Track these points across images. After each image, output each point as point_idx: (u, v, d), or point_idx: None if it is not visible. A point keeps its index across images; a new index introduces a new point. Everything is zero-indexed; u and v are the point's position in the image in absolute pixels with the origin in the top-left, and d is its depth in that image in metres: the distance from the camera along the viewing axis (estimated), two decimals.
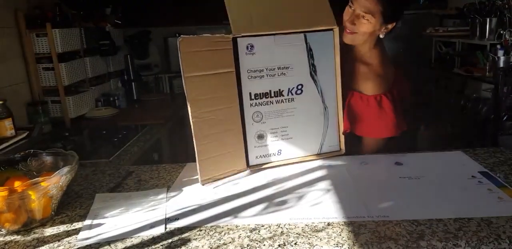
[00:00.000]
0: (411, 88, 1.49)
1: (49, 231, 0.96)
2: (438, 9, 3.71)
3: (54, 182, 0.95)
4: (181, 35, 1.09)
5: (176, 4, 3.60)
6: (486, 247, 0.83)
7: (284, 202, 1.04)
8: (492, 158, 1.27)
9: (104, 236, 0.91)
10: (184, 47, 1.08)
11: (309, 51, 1.24)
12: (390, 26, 1.32)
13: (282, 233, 0.89)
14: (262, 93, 1.22)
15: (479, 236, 0.85)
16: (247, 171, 1.24)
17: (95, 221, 0.98)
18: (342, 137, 1.32)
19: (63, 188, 1.01)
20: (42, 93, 2.43)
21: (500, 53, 2.64)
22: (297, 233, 0.89)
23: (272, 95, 1.23)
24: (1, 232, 0.96)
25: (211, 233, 0.91)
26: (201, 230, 0.92)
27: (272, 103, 1.23)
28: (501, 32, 2.77)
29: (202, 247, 0.86)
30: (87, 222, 0.98)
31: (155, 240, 0.89)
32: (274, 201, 1.04)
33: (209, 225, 0.94)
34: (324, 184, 1.13)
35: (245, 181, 1.19)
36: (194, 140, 1.12)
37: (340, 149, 1.33)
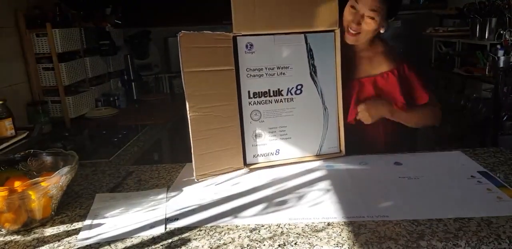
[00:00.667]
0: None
1: (49, 231, 0.96)
2: (438, 9, 3.71)
3: (54, 182, 0.95)
4: (182, 31, 1.09)
5: (176, 4, 3.60)
6: (486, 247, 0.83)
7: (284, 202, 1.04)
8: (492, 158, 1.27)
9: (104, 236, 0.91)
10: (185, 42, 1.10)
11: (309, 51, 1.24)
12: (390, 21, 1.33)
13: (282, 233, 0.89)
14: (261, 91, 1.22)
15: (479, 236, 0.85)
16: (244, 170, 1.24)
17: (95, 221, 0.98)
18: (343, 139, 1.31)
19: (63, 188, 1.01)
20: (42, 93, 2.42)
21: (500, 53, 2.64)
22: (297, 233, 0.89)
23: (271, 94, 1.23)
24: (1, 232, 0.96)
25: (211, 233, 0.91)
26: (201, 230, 0.92)
27: (271, 102, 1.24)
28: (501, 32, 2.77)
29: (202, 247, 0.86)
30: (87, 222, 0.98)
31: (155, 240, 0.89)
32: (274, 201, 1.04)
33: (209, 225, 0.94)
34: (324, 184, 1.13)
35: (245, 181, 1.19)
36: (190, 134, 1.13)
37: (340, 151, 1.33)
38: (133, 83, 3.16)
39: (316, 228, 0.90)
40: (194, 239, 0.89)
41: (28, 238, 0.93)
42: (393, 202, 1.02)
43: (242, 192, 1.11)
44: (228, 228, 0.92)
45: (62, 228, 0.97)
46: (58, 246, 0.89)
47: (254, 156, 1.26)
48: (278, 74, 1.22)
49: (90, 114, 2.63)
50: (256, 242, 0.86)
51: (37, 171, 1.09)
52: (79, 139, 2.18)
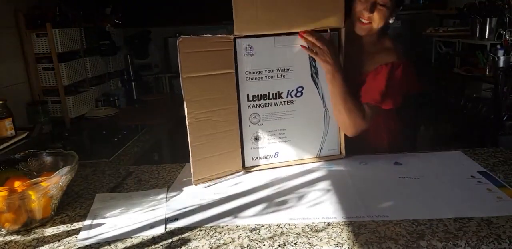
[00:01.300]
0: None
1: (49, 231, 0.96)
2: (438, 9, 3.71)
3: (54, 182, 0.95)
4: (181, 36, 1.08)
5: (176, 4, 3.60)
6: (486, 247, 0.83)
7: (284, 202, 1.04)
8: (492, 158, 1.27)
9: (104, 236, 0.91)
10: (183, 47, 1.08)
11: None
12: (397, 10, 1.31)
13: (282, 233, 0.89)
14: (260, 95, 1.21)
15: (479, 236, 0.85)
16: (242, 172, 1.24)
17: (95, 221, 0.98)
18: (343, 141, 1.31)
19: (63, 188, 1.01)
20: (42, 93, 2.42)
21: (500, 53, 2.64)
22: (297, 233, 0.89)
23: (271, 97, 1.22)
24: (1, 232, 0.96)
25: (211, 233, 0.91)
26: (201, 230, 0.92)
27: (271, 105, 1.23)
28: (501, 32, 2.77)
29: (202, 247, 0.86)
30: (87, 222, 0.98)
31: (155, 240, 0.89)
32: (274, 201, 1.04)
33: (209, 225, 0.94)
34: (324, 184, 1.13)
35: (245, 181, 1.18)
36: (189, 141, 1.12)
37: (340, 153, 1.32)
38: (133, 83, 3.16)
39: (316, 228, 0.90)
40: (194, 239, 0.89)
41: (28, 238, 0.93)
42: (393, 202, 1.02)
43: (242, 192, 1.11)
44: (228, 228, 0.92)
45: (62, 228, 0.97)
46: (58, 246, 0.89)
47: (253, 158, 1.25)
48: (278, 76, 1.21)
49: (90, 114, 2.63)
50: (256, 242, 0.86)
51: (37, 171, 1.09)
52: (79, 139, 2.19)
